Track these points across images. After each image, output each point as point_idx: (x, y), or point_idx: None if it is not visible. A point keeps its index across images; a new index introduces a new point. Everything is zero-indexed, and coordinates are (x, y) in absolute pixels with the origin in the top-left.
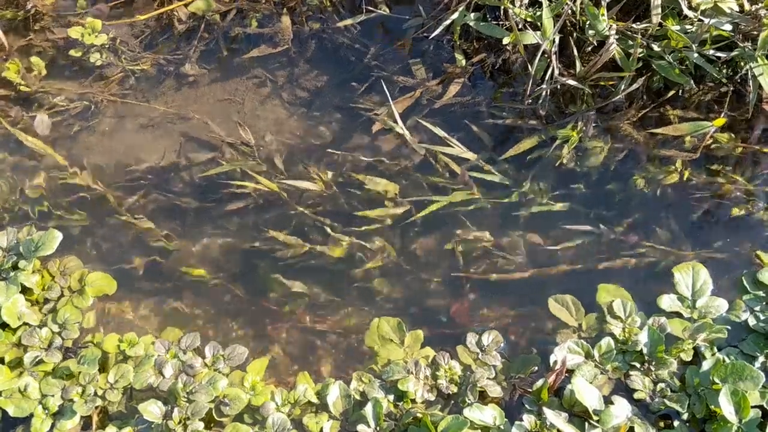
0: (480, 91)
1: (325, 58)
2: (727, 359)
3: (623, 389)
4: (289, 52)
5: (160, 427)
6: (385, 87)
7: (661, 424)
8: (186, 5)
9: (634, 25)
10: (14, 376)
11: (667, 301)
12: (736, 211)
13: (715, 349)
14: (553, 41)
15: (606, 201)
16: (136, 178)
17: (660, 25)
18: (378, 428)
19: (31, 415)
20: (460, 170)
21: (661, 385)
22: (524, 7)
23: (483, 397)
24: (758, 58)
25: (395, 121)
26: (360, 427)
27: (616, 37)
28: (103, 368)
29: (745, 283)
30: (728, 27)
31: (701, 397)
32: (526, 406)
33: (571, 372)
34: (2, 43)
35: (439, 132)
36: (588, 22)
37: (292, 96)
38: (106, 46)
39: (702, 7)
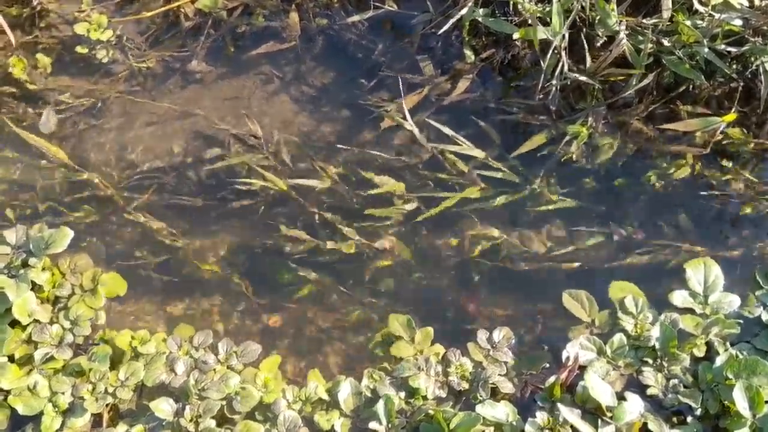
0: (489, 87)
1: (333, 55)
2: (740, 355)
3: (636, 385)
4: (297, 49)
5: (171, 424)
6: (399, 82)
7: (674, 419)
8: (192, 2)
9: (644, 21)
10: (24, 374)
11: (679, 298)
12: (747, 207)
13: (728, 345)
14: (563, 37)
15: (616, 197)
16: (143, 176)
17: (670, 20)
18: (389, 425)
19: (41, 413)
20: (467, 168)
21: (674, 380)
22: (534, 3)
23: (494, 394)
24: None
25: (404, 118)
26: (371, 424)
27: (627, 32)
28: (114, 366)
29: (758, 278)
30: (738, 22)
31: (714, 393)
32: (539, 402)
33: (583, 368)
34: (8, 38)
35: (447, 131)
36: (598, 18)
37: (300, 93)
38: (113, 42)
39: (713, 2)
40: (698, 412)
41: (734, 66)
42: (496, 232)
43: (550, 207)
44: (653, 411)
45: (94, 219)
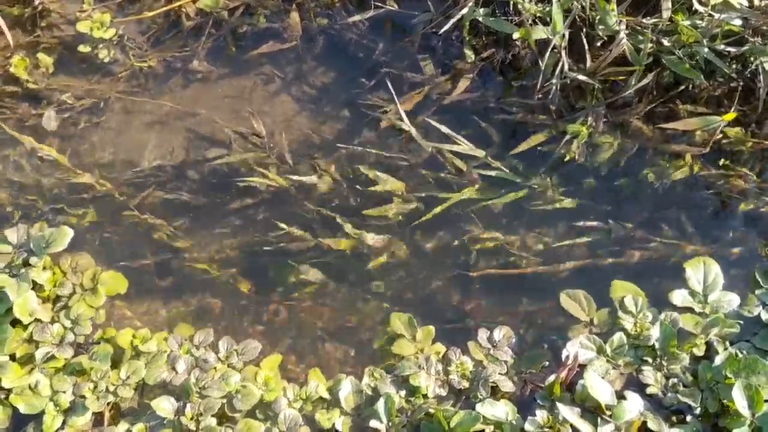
0: (489, 86)
1: (334, 55)
2: (739, 354)
3: (635, 384)
4: (298, 49)
5: (172, 423)
6: (390, 86)
7: (674, 418)
8: (194, 1)
9: (644, 20)
10: (25, 373)
11: (678, 297)
12: (746, 205)
13: (728, 344)
14: (563, 36)
15: (616, 196)
16: (144, 175)
17: (670, 20)
18: (390, 423)
19: (43, 412)
20: (467, 167)
21: (674, 380)
22: (534, 3)
23: (494, 393)
24: None
25: (400, 119)
26: (372, 422)
27: (627, 32)
28: (115, 364)
29: (757, 277)
30: (738, 22)
31: (714, 392)
32: (539, 401)
33: (583, 367)
34: (7, 40)
35: (448, 130)
36: (598, 17)
37: (300, 92)
38: (115, 42)
39: (712, 2)
40: (698, 411)
41: (734, 66)
42: (496, 231)
43: (550, 206)
44: (653, 410)
45: (95, 218)
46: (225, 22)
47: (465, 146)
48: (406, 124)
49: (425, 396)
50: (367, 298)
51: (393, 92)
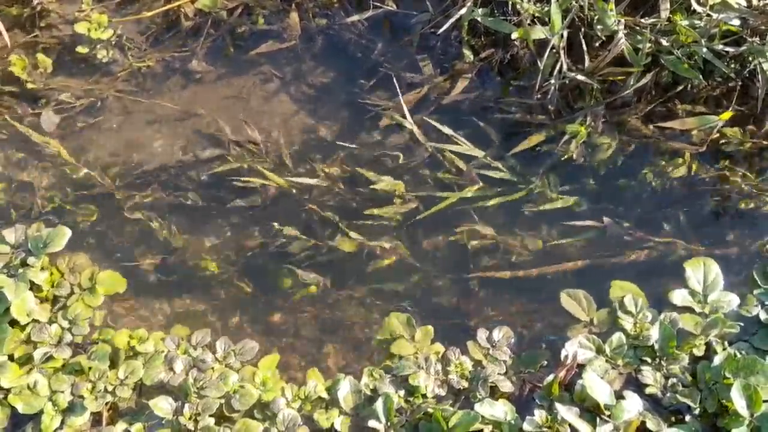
0: (488, 86)
1: (333, 55)
2: (738, 354)
3: (634, 384)
4: (296, 49)
5: (170, 423)
6: (395, 81)
7: (673, 418)
8: (193, 2)
9: (642, 20)
10: (23, 373)
11: (678, 297)
12: (743, 204)
13: (726, 344)
14: (562, 36)
15: (614, 195)
16: (142, 175)
17: (669, 20)
18: (389, 423)
19: (41, 412)
20: (466, 167)
21: (673, 380)
22: (532, 2)
23: (493, 392)
24: (766, 53)
25: (403, 117)
26: (371, 422)
27: (625, 32)
28: (113, 364)
29: (756, 277)
30: (736, 22)
31: (713, 392)
32: (537, 401)
33: (582, 367)
34: (4, 40)
35: (447, 130)
36: (596, 17)
37: (299, 92)
38: (113, 42)
39: (710, 2)
40: (696, 411)
41: (732, 66)
42: (494, 231)
43: (549, 206)
44: (652, 410)
45: (94, 218)
46: (224, 22)
47: (464, 146)
48: (408, 121)
49: (424, 396)
50: (366, 298)
51: (398, 87)
